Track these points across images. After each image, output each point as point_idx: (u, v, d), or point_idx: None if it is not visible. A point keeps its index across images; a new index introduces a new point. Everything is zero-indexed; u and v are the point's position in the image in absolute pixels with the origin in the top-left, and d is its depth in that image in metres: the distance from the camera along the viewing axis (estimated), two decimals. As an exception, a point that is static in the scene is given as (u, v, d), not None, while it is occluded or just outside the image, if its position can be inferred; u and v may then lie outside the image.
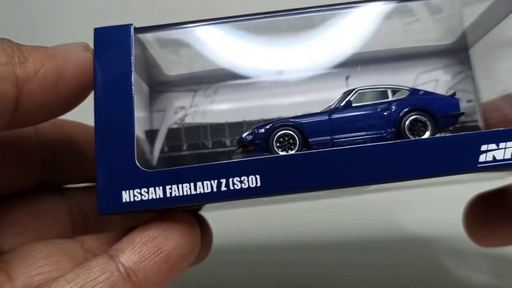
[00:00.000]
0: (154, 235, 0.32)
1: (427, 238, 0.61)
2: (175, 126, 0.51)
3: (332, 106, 0.42)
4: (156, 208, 0.35)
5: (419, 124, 0.40)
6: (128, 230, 0.38)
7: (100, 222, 0.42)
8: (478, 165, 0.34)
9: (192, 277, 0.47)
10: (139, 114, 0.50)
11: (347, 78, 0.50)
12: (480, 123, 0.50)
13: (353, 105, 0.40)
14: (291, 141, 0.39)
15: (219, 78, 0.51)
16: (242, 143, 0.41)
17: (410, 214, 0.62)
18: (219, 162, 0.35)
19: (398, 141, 0.34)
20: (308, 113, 0.41)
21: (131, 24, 0.37)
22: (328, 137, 0.39)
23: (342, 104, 0.40)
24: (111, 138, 0.35)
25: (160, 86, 0.51)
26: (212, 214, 0.48)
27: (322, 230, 0.61)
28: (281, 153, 0.39)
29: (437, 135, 0.36)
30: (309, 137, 0.39)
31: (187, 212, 0.35)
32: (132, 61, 0.36)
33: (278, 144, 0.39)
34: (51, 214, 0.40)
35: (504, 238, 0.44)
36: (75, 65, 0.34)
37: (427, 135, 0.39)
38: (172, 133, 0.51)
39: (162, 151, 0.51)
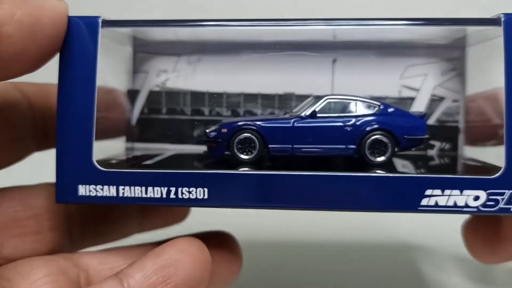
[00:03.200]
0: (165, 264, 0.32)
1: (419, 244, 0.62)
2: (156, 89, 0.52)
3: (299, 112, 0.41)
4: (109, 204, 0.37)
5: (380, 143, 0.40)
6: (128, 249, 0.40)
7: (96, 226, 0.43)
8: (419, 208, 0.35)
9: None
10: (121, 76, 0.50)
11: (334, 61, 0.49)
12: (461, 125, 0.50)
13: (318, 115, 0.40)
14: (252, 144, 0.40)
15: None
16: (206, 138, 0.41)
17: (404, 219, 0.62)
18: (171, 171, 0.36)
19: (345, 174, 0.35)
20: (273, 116, 0.42)
21: (99, 17, 0.37)
22: (289, 146, 0.40)
23: (307, 113, 0.40)
24: (71, 133, 0.36)
25: (145, 48, 0.51)
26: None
27: (314, 232, 0.62)
28: (241, 156, 0.40)
29: (385, 173, 0.36)
30: (270, 143, 0.40)
31: (200, 241, 0.35)
32: (97, 60, 0.36)
33: (239, 146, 0.40)
34: (50, 216, 0.39)
35: (497, 255, 0.42)
36: (51, 11, 0.33)
37: (383, 157, 0.39)
38: (153, 96, 0.52)
39: (142, 112, 0.52)
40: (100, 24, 0.36)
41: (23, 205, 0.39)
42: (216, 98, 0.51)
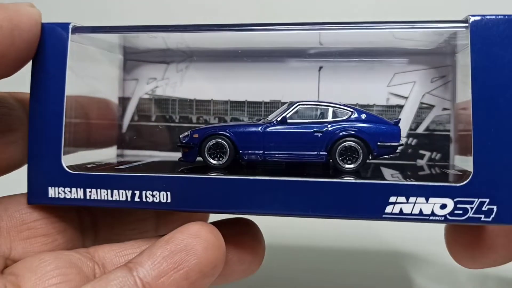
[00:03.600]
0: (175, 250, 0.31)
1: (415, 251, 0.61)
2: (146, 96, 0.52)
3: (272, 118, 0.41)
4: (77, 206, 0.38)
5: (352, 150, 0.39)
6: (146, 240, 0.38)
7: (110, 230, 0.42)
8: (384, 216, 0.34)
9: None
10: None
11: (320, 68, 0.49)
12: (452, 134, 0.48)
13: (289, 121, 0.40)
14: (223, 150, 0.40)
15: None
16: (179, 144, 0.42)
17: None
18: (135, 174, 0.36)
19: (308, 179, 0.34)
20: (245, 122, 0.41)
21: (69, 23, 0.38)
22: (260, 151, 0.40)
23: (278, 119, 0.40)
24: (42, 137, 0.37)
25: (135, 55, 0.52)
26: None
27: (311, 235, 0.61)
28: (212, 161, 0.40)
29: (349, 179, 0.35)
30: (240, 149, 0.40)
31: (212, 226, 0.34)
32: (66, 64, 0.37)
33: (211, 151, 0.40)
34: (61, 219, 0.39)
35: (479, 262, 0.41)
36: (28, 17, 0.34)
37: (353, 165, 0.39)
38: (143, 103, 0.53)
39: (132, 119, 0.53)
40: (70, 30, 0.37)
41: (30, 208, 0.39)
42: (203, 105, 0.51)
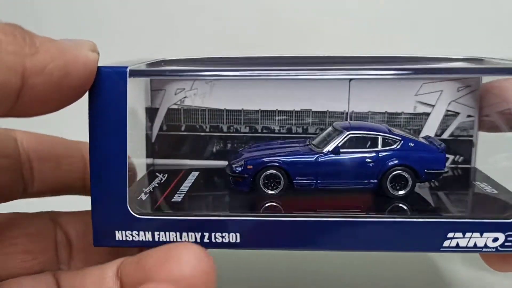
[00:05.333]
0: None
1: None
2: (174, 106, 0.52)
3: (320, 145, 0.43)
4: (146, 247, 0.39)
5: (401, 178, 0.41)
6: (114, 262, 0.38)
7: (83, 253, 0.42)
8: (441, 249, 0.37)
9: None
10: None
11: (350, 80, 0.50)
12: (475, 139, 0.51)
13: (341, 150, 0.41)
14: (277, 179, 0.42)
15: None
16: (232, 173, 0.43)
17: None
18: (205, 218, 0.38)
19: (371, 219, 0.37)
20: (297, 151, 0.43)
21: (127, 66, 0.37)
22: (313, 180, 0.41)
23: (330, 149, 0.41)
24: (105, 182, 0.37)
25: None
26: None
27: None
28: (268, 191, 0.42)
29: (410, 218, 0.38)
30: (294, 177, 0.41)
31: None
32: (126, 108, 0.37)
33: (265, 181, 0.42)
34: (43, 239, 0.40)
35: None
36: (84, 65, 0.33)
37: (404, 191, 0.41)
38: (171, 113, 0.52)
39: (160, 129, 0.53)
40: (128, 73, 0.37)
41: (17, 225, 0.39)
42: (234, 114, 0.52)
